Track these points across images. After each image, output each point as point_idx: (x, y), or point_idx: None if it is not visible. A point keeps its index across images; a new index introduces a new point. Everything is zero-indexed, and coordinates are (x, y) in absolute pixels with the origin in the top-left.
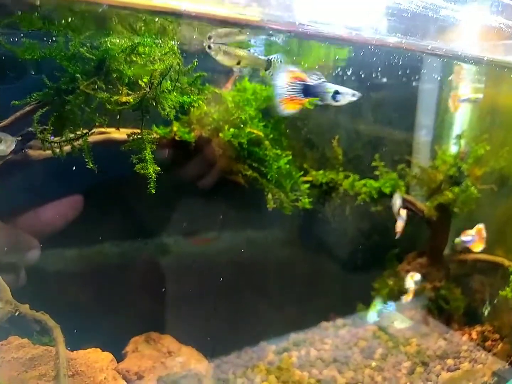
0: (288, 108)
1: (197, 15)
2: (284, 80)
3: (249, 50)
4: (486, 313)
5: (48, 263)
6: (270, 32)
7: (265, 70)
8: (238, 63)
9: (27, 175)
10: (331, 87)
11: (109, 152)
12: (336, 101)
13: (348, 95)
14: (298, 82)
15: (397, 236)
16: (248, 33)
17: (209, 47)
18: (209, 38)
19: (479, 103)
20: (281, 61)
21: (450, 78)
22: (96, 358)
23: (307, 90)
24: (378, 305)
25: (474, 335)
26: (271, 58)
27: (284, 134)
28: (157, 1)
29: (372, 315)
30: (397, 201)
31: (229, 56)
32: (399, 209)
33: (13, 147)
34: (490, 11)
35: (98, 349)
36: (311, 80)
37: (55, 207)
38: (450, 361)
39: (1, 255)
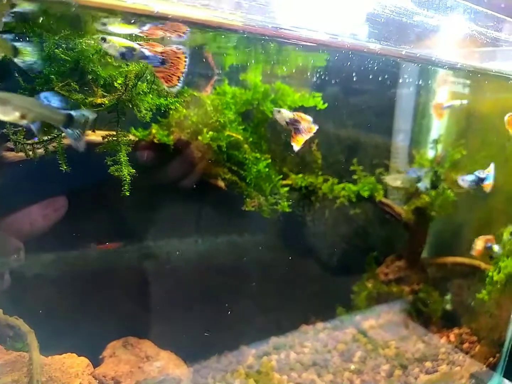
0: None
1: (173, 18)
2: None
3: (40, 99)
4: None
5: (24, 267)
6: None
7: (65, 128)
8: (23, 117)
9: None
10: None
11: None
12: None
13: None
14: None
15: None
16: None
17: None
18: None
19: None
20: (88, 119)
21: (428, 83)
22: (71, 363)
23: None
24: None
25: (452, 337)
26: (75, 114)
27: (264, 137)
28: (133, 1)
29: None
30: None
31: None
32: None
33: None
34: (464, 18)
35: (74, 354)
36: None
37: (37, 209)
38: (428, 364)
39: None
